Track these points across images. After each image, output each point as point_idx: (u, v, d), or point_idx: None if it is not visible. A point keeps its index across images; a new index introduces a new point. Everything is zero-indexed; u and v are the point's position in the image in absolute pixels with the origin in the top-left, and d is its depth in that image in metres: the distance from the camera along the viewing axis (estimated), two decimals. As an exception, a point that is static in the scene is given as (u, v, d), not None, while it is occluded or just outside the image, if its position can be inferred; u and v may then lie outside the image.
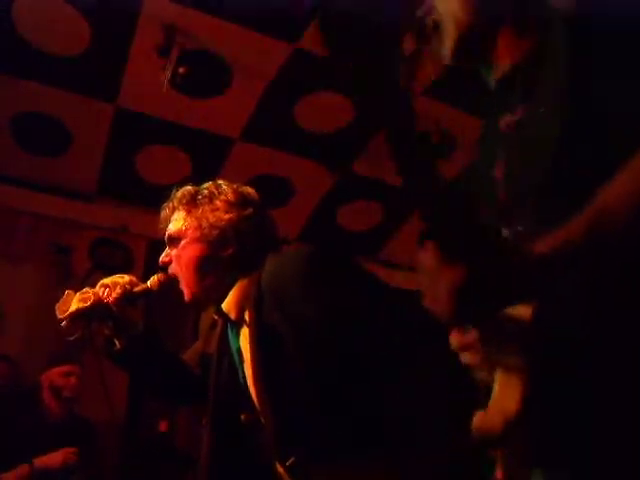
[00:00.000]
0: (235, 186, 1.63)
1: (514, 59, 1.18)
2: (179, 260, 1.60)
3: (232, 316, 1.55)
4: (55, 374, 3.33)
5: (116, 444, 4.16)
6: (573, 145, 0.99)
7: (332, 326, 1.38)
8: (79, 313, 1.59)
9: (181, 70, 3.61)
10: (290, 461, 1.46)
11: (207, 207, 1.58)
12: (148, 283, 1.68)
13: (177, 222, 1.61)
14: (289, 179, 4.86)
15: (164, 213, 1.68)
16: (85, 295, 1.62)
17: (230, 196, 1.59)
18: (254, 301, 1.48)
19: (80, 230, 4.70)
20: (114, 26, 3.62)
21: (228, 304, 1.55)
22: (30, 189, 4.58)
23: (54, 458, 3.01)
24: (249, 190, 1.65)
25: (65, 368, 3.35)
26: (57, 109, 4.17)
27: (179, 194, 1.65)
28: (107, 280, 1.68)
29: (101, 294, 1.63)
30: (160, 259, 1.67)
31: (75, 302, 1.60)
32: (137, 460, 4.31)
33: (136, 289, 1.68)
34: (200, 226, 1.56)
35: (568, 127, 1.00)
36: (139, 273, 4.77)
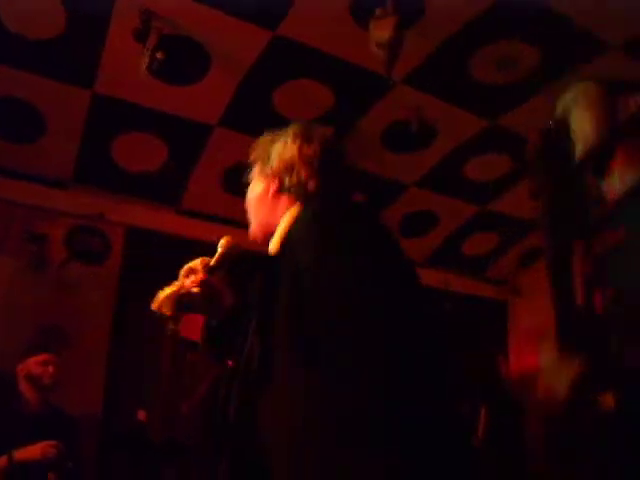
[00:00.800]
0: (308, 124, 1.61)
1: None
2: (249, 199, 1.62)
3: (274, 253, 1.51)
4: (32, 363, 3.28)
5: (95, 435, 4.13)
6: None
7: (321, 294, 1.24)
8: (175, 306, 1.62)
9: (158, 56, 3.56)
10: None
11: (278, 144, 1.55)
12: (219, 248, 1.68)
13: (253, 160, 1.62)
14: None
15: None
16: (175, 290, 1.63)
17: (297, 130, 1.56)
18: (278, 247, 1.47)
19: (56, 218, 4.64)
20: (90, 9, 3.55)
21: (274, 243, 1.52)
22: (4, 176, 4.51)
23: (33, 451, 2.97)
24: (322, 129, 1.60)
25: (42, 357, 3.31)
26: (31, 94, 4.10)
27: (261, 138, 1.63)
28: (187, 268, 1.67)
29: (187, 284, 1.63)
30: None
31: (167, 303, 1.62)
32: (116, 450, 4.29)
33: (212, 263, 1.67)
34: (268, 159, 1.55)
35: None
36: (117, 261, 4.73)
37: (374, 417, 1.12)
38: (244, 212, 1.66)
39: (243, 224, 1.69)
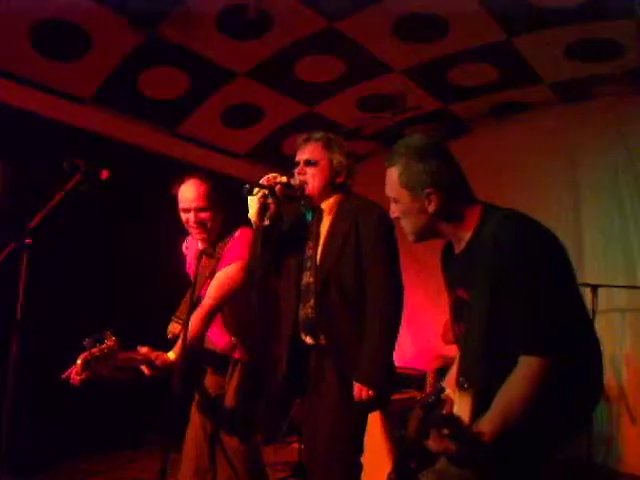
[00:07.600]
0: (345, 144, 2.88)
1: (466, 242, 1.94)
2: (314, 177, 2.77)
3: (327, 211, 2.83)
4: None
5: None
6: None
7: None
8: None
9: None
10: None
11: (336, 150, 2.81)
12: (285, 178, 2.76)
13: (316, 152, 2.79)
14: (87, 30, 4.31)
15: (302, 141, 2.84)
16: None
17: (346, 148, 2.85)
18: (345, 210, 2.80)
19: None
20: None
21: (328, 205, 2.83)
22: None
23: None
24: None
25: None
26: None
27: (318, 135, 2.83)
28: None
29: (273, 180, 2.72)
30: (298, 173, 2.79)
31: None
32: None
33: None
34: (332, 160, 2.79)
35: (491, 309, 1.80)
36: None
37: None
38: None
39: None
